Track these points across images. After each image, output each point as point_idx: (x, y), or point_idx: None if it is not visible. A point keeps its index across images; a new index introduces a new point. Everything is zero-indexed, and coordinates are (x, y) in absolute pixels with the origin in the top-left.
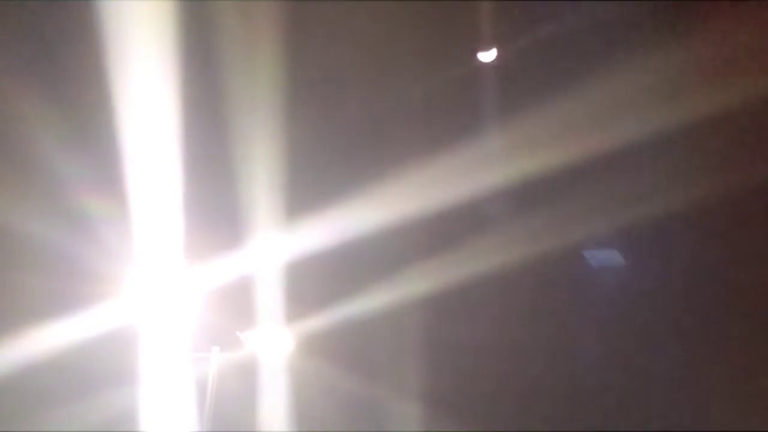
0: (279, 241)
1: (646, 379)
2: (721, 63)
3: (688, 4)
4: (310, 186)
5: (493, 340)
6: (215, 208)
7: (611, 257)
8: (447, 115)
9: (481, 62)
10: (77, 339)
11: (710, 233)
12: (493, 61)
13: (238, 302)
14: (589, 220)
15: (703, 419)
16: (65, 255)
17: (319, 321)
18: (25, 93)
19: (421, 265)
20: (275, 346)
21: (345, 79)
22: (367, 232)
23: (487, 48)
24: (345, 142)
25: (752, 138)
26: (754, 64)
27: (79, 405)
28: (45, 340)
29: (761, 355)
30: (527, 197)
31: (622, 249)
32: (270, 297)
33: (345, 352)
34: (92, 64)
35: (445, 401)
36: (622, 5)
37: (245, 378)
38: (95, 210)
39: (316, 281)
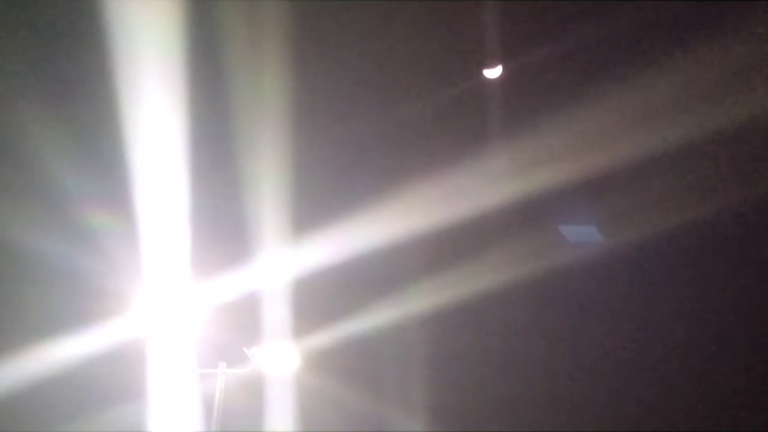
0: (286, 257)
1: (653, 390)
2: (725, 79)
3: (694, 18)
4: (317, 202)
5: (498, 356)
6: (223, 223)
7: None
8: (454, 131)
9: (487, 78)
10: (85, 354)
11: (717, 249)
12: (498, 78)
13: (245, 318)
14: (593, 235)
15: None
16: (73, 271)
17: (325, 337)
18: (34, 108)
19: (427, 281)
20: (282, 362)
21: (353, 96)
22: (374, 249)
23: (493, 64)
24: (352, 158)
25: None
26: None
27: (87, 420)
28: (53, 355)
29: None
30: (533, 213)
31: (630, 264)
32: (277, 313)
33: (351, 368)
34: (100, 78)
35: (451, 417)
36: (625, 21)
37: (252, 394)
38: (103, 226)
39: (322, 297)
